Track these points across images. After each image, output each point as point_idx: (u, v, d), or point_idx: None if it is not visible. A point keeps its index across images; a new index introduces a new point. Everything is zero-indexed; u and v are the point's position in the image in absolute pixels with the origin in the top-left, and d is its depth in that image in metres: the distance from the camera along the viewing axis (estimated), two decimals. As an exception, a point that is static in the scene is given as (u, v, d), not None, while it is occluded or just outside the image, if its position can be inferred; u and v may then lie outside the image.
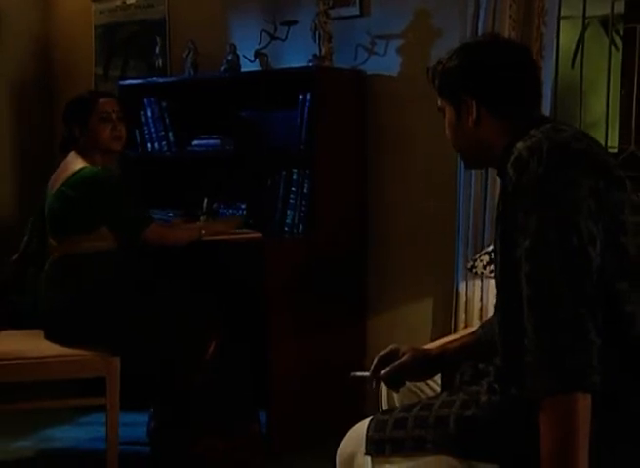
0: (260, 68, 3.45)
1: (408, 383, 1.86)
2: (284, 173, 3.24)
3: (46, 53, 4.45)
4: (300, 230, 3.21)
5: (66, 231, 2.88)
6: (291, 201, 3.22)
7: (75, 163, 2.92)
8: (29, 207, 4.31)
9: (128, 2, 4.13)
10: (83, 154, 2.95)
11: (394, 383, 1.83)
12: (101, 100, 3.01)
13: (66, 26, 4.39)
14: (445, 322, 3.22)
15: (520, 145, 1.47)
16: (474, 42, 1.76)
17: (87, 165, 2.90)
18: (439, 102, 1.71)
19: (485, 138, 1.63)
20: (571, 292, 1.36)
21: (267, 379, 3.04)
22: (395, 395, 1.89)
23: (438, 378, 1.88)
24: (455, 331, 3.07)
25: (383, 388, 1.95)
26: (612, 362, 1.39)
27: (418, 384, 1.90)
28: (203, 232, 3.09)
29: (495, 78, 1.61)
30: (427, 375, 1.85)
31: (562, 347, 1.34)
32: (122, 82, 3.86)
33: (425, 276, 3.35)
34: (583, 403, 1.33)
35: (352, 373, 1.95)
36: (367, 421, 1.65)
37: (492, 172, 2.82)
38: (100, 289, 2.82)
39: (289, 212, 3.22)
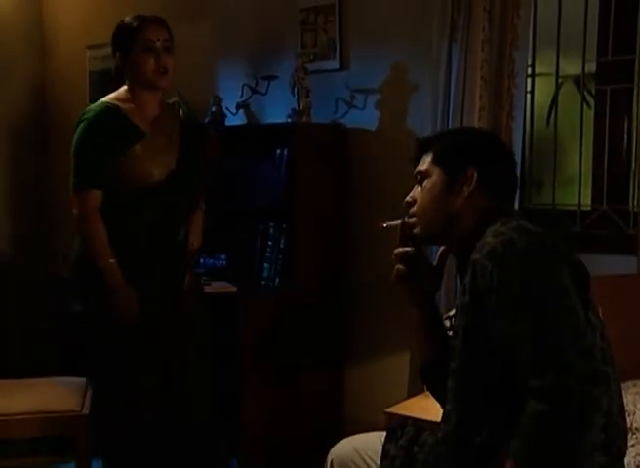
0: (243, 121, 3.51)
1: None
2: (261, 226, 3.28)
3: (42, 96, 4.56)
4: (275, 283, 3.24)
5: None
6: (267, 254, 3.26)
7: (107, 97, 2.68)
8: (26, 245, 4.42)
9: (121, 49, 4.19)
10: (130, 89, 2.66)
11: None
12: (147, 27, 2.64)
13: (62, 72, 4.50)
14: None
15: (491, 240, 1.50)
16: (481, 128, 2.11)
17: (103, 100, 2.66)
18: (424, 166, 1.72)
19: (464, 212, 1.66)
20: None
21: (239, 429, 3.07)
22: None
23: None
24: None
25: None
26: None
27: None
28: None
29: (498, 161, 1.71)
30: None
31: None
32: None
33: (401, 327, 3.36)
34: None
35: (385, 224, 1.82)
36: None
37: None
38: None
39: (265, 265, 3.26)
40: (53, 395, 2.84)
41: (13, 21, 4.39)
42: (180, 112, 2.78)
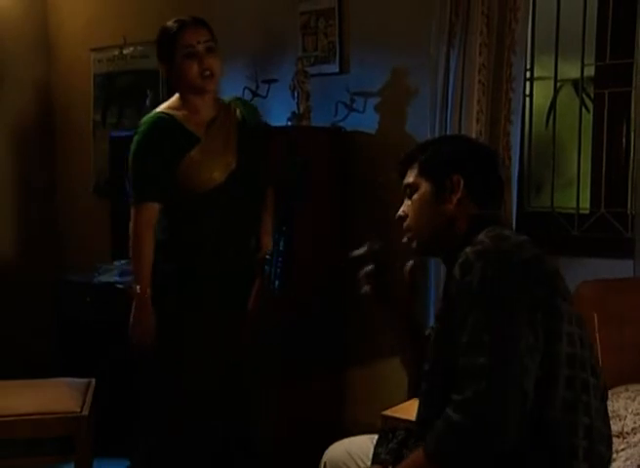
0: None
1: None
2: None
3: (48, 99, 4.59)
4: (275, 285, 3.25)
5: None
6: (267, 257, 3.26)
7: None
8: (31, 247, 4.45)
9: (125, 52, 4.24)
10: (181, 96, 2.63)
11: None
12: (185, 32, 2.56)
13: (67, 74, 4.53)
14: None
15: (469, 249, 1.54)
16: (461, 135, 2.08)
17: (157, 111, 2.63)
18: (410, 179, 1.75)
19: (455, 219, 1.68)
20: (502, 392, 1.41)
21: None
22: None
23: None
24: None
25: None
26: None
27: None
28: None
29: (482, 167, 1.73)
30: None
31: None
32: (113, 134, 3.97)
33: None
34: None
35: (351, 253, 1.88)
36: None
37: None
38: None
39: (265, 267, 3.26)
40: (53, 395, 2.86)
41: (19, 26, 4.42)
42: (237, 112, 2.72)
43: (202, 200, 2.59)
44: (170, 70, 2.60)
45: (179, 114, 2.61)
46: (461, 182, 1.67)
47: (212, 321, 2.64)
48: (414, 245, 1.75)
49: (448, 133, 2.98)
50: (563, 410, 1.47)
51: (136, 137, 2.58)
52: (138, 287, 2.57)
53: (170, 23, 2.62)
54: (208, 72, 2.54)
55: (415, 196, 1.73)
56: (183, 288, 2.64)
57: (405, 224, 1.75)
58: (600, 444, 1.51)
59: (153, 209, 2.58)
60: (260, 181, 2.73)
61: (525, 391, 1.41)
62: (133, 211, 2.58)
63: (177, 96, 2.64)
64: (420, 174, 1.73)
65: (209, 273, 2.65)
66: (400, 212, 1.77)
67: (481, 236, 1.57)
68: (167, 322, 2.62)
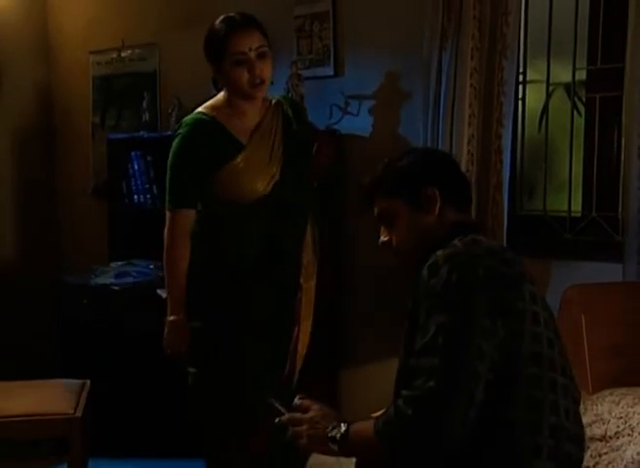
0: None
1: None
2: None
3: (47, 101, 4.62)
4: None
5: None
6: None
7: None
8: (30, 248, 4.49)
9: (123, 55, 4.27)
10: (228, 98, 2.46)
11: None
12: (236, 37, 2.35)
13: (66, 76, 4.56)
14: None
15: (440, 252, 1.56)
16: (413, 148, 2.02)
17: (199, 110, 2.48)
18: (384, 205, 1.73)
19: (438, 229, 1.68)
20: (448, 394, 1.44)
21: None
22: None
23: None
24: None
25: None
26: None
27: None
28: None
29: (450, 171, 1.76)
30: None
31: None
32: (111, 136, 4.00)
33: (397, 330, 3.38)
34: None
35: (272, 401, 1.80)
36: None
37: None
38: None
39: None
40: (47, 397, 2.88)
41: (19, 28, 4.46)
42: (290, 112, 2.56)
43: (242, 211, 2.43)
44: (217, 71, 2.42)
45: (222, 116, 2.44)
46: (436, 192, 1.68)
47: (246, 339, 2.49)
48: (409, 263, 1.74)
49: (440, 136, 3.00)
50: (527, 409, 1.49)
51: (175, 140, 2.43)
52: (172, 293, 2.45)
53: (218, 24, 2.41)
54: (259, 80, 2.37)
55: (396, 221, 1.72)
56: (212, 307, 2.49)
57: (394, 250, 1.74)
58: (569, 443, 1.52)
59: (189, 215, 2.44)
60: (305, 193, 2.57)
61: (472, 394, 1.44)
62: (168, 216, 2.44)
63: (222, 94, 2.47)
64: (391, 196, 1.72)
65: (246, 295, 2.48)
66: (382, 239, 1.76)
67: (456, 240, 1.59)
68: (199, 336, 2.48)
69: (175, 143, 2.43)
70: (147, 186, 3.81)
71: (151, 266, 3.69)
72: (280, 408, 1.76)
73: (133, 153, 3.85)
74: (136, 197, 3.87)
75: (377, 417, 1.54)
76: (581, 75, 2.98)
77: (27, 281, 4.35)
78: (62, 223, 4.60)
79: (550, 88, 3.05)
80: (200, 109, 2.48)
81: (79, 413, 2.80)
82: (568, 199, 3.00)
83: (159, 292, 3.36)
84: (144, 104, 3.99)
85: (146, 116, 3.98)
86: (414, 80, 3.22)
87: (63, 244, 4.59)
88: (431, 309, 1.50)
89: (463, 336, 1.46)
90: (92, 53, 4.40)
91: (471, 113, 2.95)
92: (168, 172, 2.44)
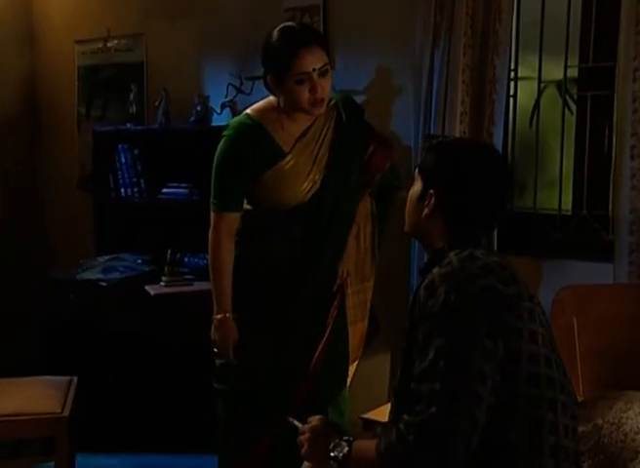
0: (229, 121, 3.50)
1: None
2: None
3: (32, 91, 4.56)
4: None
5: None
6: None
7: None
8: (13, 244, 4.43)
9: (109, 45, 4.21)
10: (285, 105, 2.39)
11: None
12: (300, 58, 2.27)
13: (51, 66, 4.49)
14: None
15: (436, 270, 1.54)
16: (458, 143, 1.85)
17: (247, 112, 2.45)
18: (416, 172, 1.75)
19: (429, 229, 1.68)
20: (451, 420, 1.42)
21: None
22: None
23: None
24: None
25: None
26: None
27: None
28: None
29: (462, 190, 1.65)
30: None
31: None
32: (97, 128, 3.95)
33: (383, 329, 3.37)
34: None
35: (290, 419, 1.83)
36: None
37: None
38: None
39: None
40: (33, 395, 2.85)
41: (3, 17, 4.38)
42: (343, 116, 2.49)
43: (278, 218, 2.44)
44: (275, 82, 2.34)
45: (268, 121, 2.41)
46: (433, 200, 1.66)
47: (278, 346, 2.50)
48: (405, 227, 1.77)
49: (431, 132, 2.98)
50: (527, 430, 1.48)
51: (222, 142, 2.42)
52: (219, 291, 2.45)
53: (280, 37, 2.32)
54: (320, 99, 2.32)
55: (411, 189, 1.74)
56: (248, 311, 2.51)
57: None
58: (567, 462, 1.52)
59: (234, 218, 2.45)
60: (350, 202, 2.53)
61: (475, 419, 1.42)
62: (214, 217, 2.44)
63: (274, 99, 2.42)
64: (420, 172, 1.72)
65: (278, 303, 2.49)
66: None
67: (452, 255, 1.57)
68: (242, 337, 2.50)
69: (220, 145, 2.43)
70: (135, 180, 3.77)
71: (139, 261, 3.67)
72: (298, 424, 1.76)
73: (120, 146, 3.80)
74: (123, 190, 3.83)
75: (378, 438, 1.52)
76: (573, 73, 2.98)
77: (12, 275, 4.29)
78: (48, 217, 4.55)
79: (542, 85, 3.04)
80: (248, 111, 2.47)
81: (66, 412, 2.78)
82: (558, 197, 3.00)
83: (147, 288, 3.35)
84: (132, 96, 3.94)
85: (133, 108, 3.93)
86: (405, 76, 3.19)
87: (50, 238, 4.53)
88: (430, 332, 1.48)
89: (464, 359, 1.44)
90: (77, 42, 4.34)
91: (463, 110, 2.93)
92: (213, 172, 2.43)
